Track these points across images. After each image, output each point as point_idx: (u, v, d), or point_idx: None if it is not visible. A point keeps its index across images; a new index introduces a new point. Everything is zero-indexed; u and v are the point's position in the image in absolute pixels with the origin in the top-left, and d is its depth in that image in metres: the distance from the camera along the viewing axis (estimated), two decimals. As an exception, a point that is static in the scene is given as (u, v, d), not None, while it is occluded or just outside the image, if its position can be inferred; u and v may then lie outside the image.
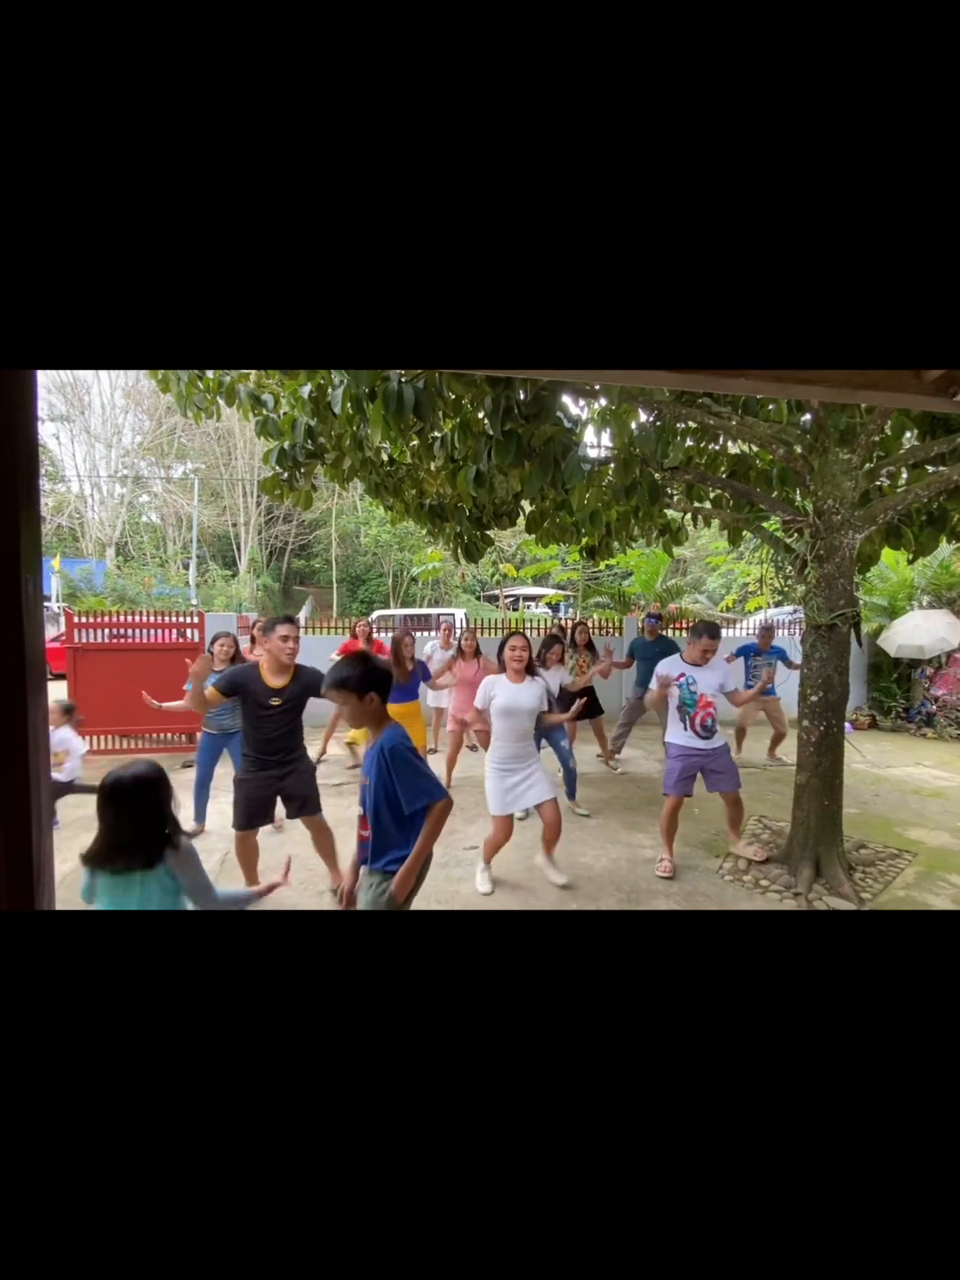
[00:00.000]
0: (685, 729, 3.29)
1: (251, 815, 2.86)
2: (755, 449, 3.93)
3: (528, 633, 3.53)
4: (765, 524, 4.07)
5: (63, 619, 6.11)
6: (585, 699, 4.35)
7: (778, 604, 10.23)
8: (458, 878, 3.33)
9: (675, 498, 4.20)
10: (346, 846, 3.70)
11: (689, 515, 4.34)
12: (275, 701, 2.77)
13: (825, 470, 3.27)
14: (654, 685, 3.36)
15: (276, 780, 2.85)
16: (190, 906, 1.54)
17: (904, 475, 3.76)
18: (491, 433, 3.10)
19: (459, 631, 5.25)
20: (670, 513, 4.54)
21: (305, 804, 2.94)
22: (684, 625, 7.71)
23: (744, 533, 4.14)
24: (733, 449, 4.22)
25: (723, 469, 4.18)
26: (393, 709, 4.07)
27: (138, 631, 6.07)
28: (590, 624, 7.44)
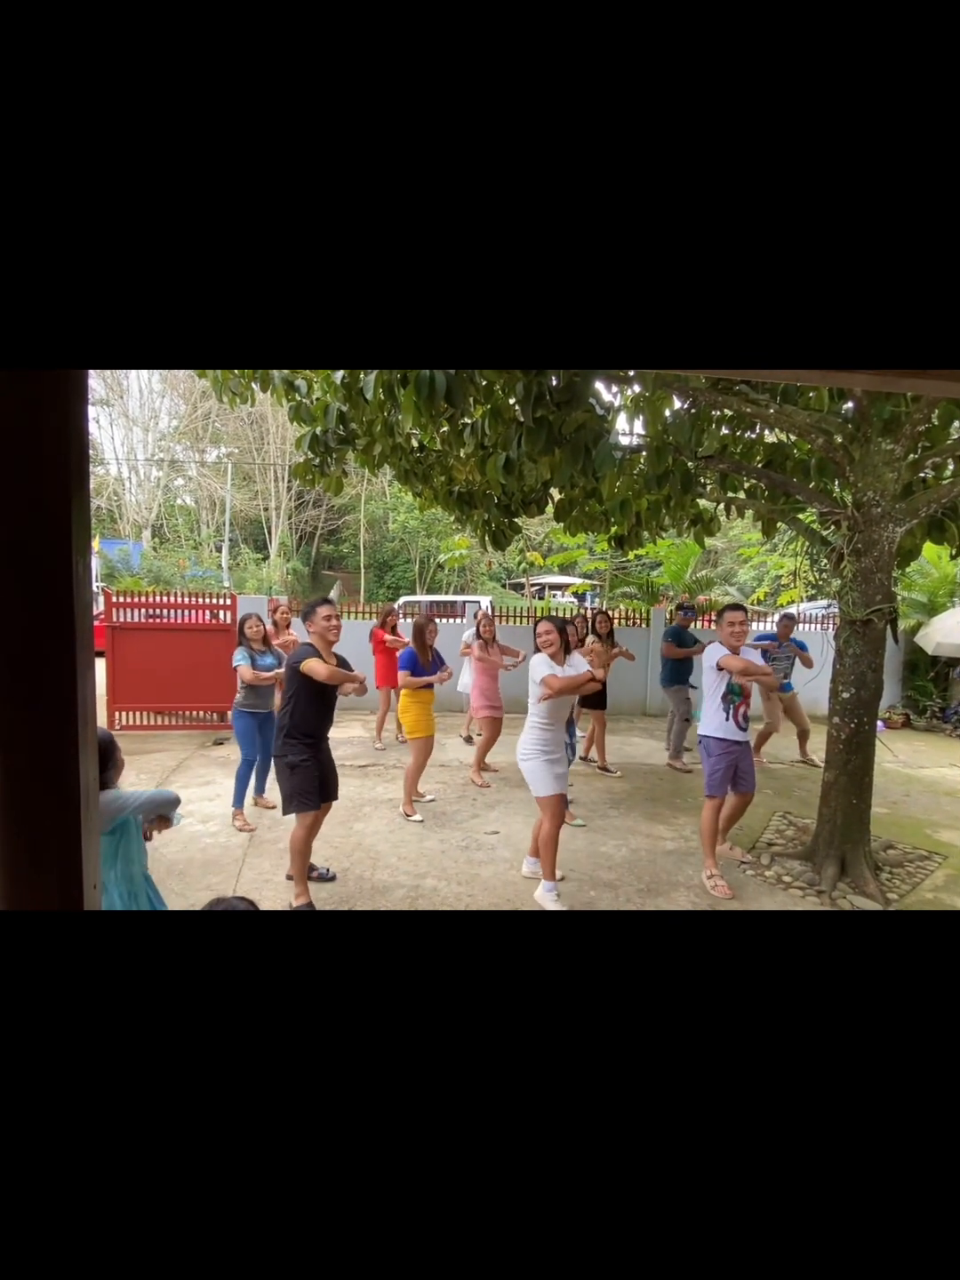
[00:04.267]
0: (727, 719, 3.19)
1: (325, 788, 2.92)
2: (793, 438, 3.81)
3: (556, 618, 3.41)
4: (801, 515, 3.96)
5: (102, 598, 6.30)
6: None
7: (811, 598, 9.95)
8: (479, 861, 3.37)
9: (708, 487, 4.11)
10: (368, 825, 3.78)
11: (722, 506, 4.25)
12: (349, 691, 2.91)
13: (867, 461, 3.16)
14: (723, 663, 3.13)
15: (328, 755, 2.96)
16: (122, 862, 1.59)
17: (950, 467, 3.61)
18: (522, 419, 3.07)
19: (477, 616, 5.20)
20: (702, 503, 4.45)
21: (334, 784, 3.04)
22: (712, 619, 7.58)
23: (779, 524, 4.04)
24: (770, 438, 4.11)
25: (758, 458, 4.08)
26: (412, 695, 4.08)
27: (173, 612, 6.23)
28: (614, 614, 7.35)
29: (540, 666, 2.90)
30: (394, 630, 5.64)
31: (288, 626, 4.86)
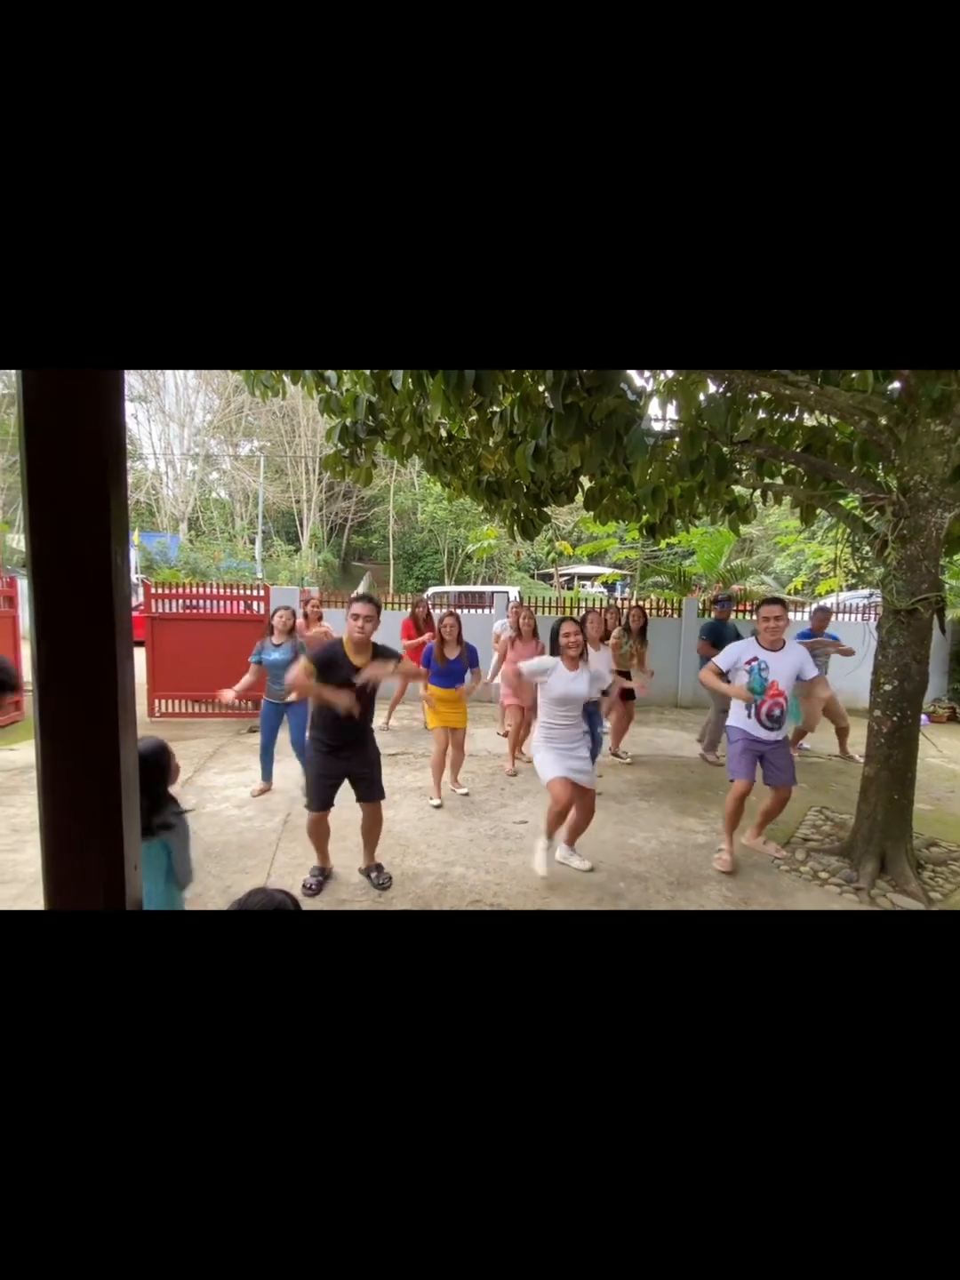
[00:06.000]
0: (749, 716, 3.14)
1: (326, 797, 2.90)
2: (834, 421, 3.67)
3: (578, 616, 3.46)
4: (842, 501, 3.81)
5: (141, 590, 6.49)
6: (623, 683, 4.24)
7: (852, 587, 9.62)
8: (507, 850, 3.38)
9: (744, 473, 3.99)
10: (398, 813, 3.83)
11: (758, 492, 4.13)
12: (360, 680, 2.79)
13: (914, 443, 3.02)
14: (721, 663, 3.19)
15: (346, 762, 2.88)
16: (168, 886, 1.66)
17: (1005, 448, 3.41)
18: (552, 406, 3.03)
19: (510, 608, 5.16)
20: (738, 489, 4.33)
21: (370, 787, 2.94)
22: (749, 607, 7.38)
23: (818, 511, 3.90)
24: (809, 421, 3.96)
25: (797, 442, 3.93)
26: (436, 694, 4.09)
27: (209, 603, 6.38)
28: (646, 606, 7.22)
29: (536, 665, 2.95)
30: (426, 623, 5.43)
31: (320, 618, 4.93)
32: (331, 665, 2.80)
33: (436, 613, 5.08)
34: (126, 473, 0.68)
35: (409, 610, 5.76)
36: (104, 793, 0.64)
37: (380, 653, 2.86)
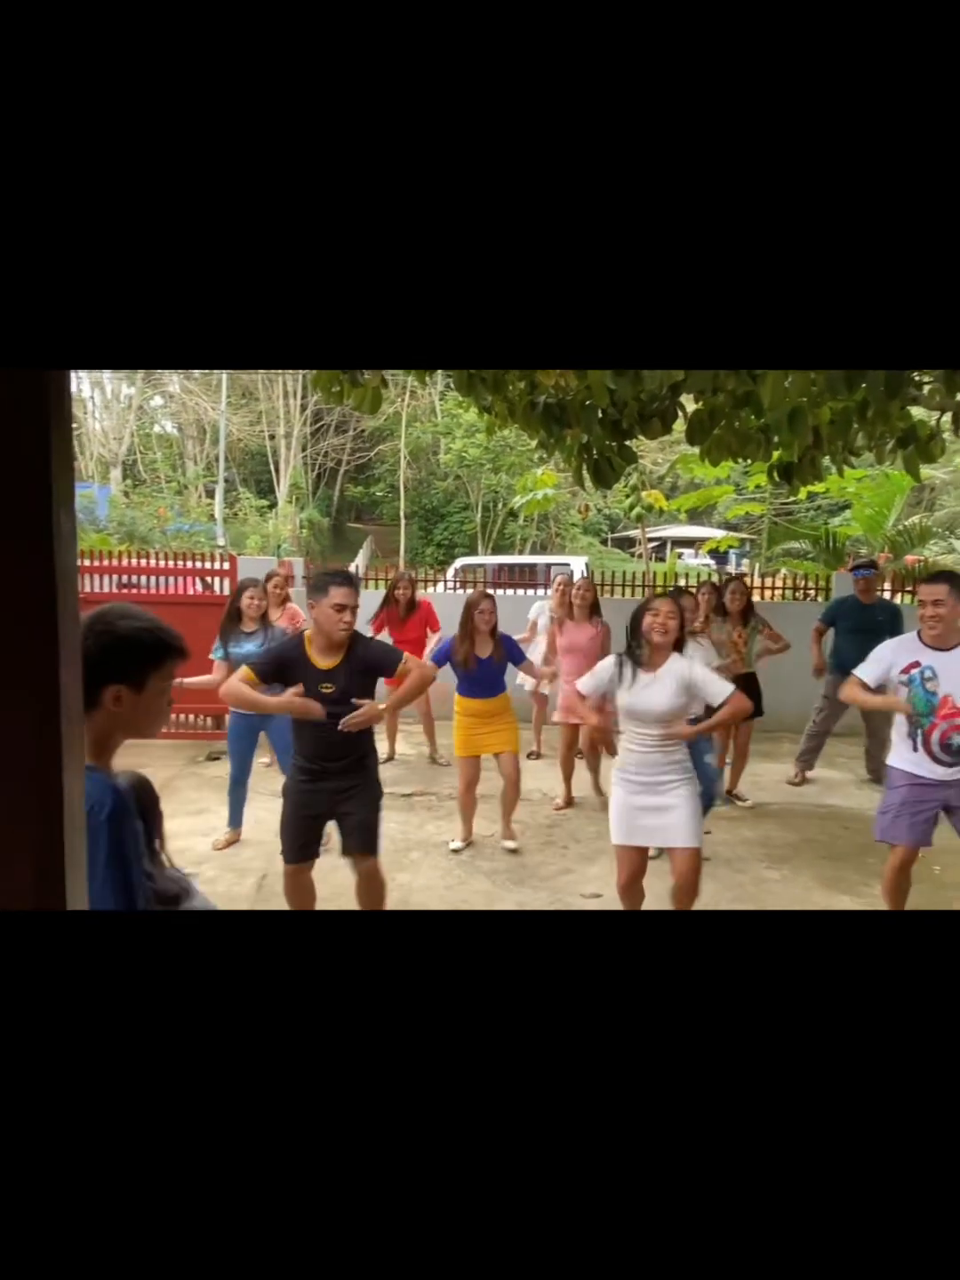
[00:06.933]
0: (915, 748, 3.05)
1: (304, 842, 2.95)
2: None
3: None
4: None
5: (62, 562, 6.75)
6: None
7: None
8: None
9: (927, 388, 3.88)
10: (417, 877, 3.88)
11: (948, 417, 4.01)
12: (327, 688, 2.79)
13: None
14: (865, 676, 3.14)
15: (335, 795, 2.90)
16: None
17: None
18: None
19: (559, 583, 5.23)
20: (917, 411, 4.22)
21: (361, 838, 2.95)
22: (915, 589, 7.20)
23: (1040, 442, 3.77)
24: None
25: (1009, 341, 3.81)
26: (468, 705, 4.20)
27: (152, 579, 6.58)
28: (766, 583, 7.09)
29: (599, 673, 3.04)
30: (408, 608, 5.55)
31: (285, 601, 5.00)
32: (285, 670, 2.86)
33: (445, 599, 5.11)
34: (71, 413, 0.72)
35: (385, 592, 5.81)
36: (40, 823, 0.69)
37: (358, 646, 2.89)
